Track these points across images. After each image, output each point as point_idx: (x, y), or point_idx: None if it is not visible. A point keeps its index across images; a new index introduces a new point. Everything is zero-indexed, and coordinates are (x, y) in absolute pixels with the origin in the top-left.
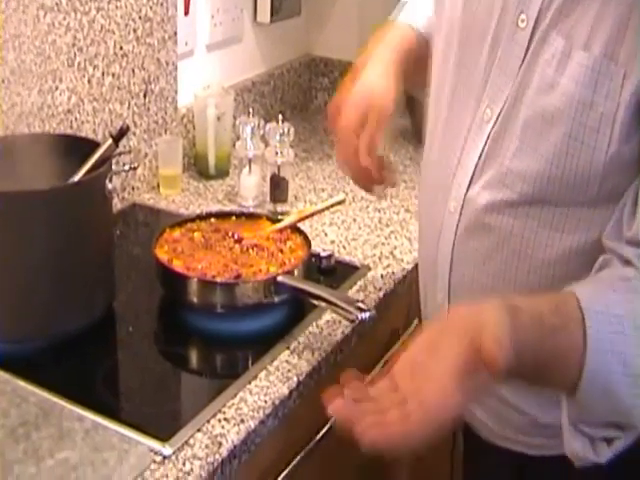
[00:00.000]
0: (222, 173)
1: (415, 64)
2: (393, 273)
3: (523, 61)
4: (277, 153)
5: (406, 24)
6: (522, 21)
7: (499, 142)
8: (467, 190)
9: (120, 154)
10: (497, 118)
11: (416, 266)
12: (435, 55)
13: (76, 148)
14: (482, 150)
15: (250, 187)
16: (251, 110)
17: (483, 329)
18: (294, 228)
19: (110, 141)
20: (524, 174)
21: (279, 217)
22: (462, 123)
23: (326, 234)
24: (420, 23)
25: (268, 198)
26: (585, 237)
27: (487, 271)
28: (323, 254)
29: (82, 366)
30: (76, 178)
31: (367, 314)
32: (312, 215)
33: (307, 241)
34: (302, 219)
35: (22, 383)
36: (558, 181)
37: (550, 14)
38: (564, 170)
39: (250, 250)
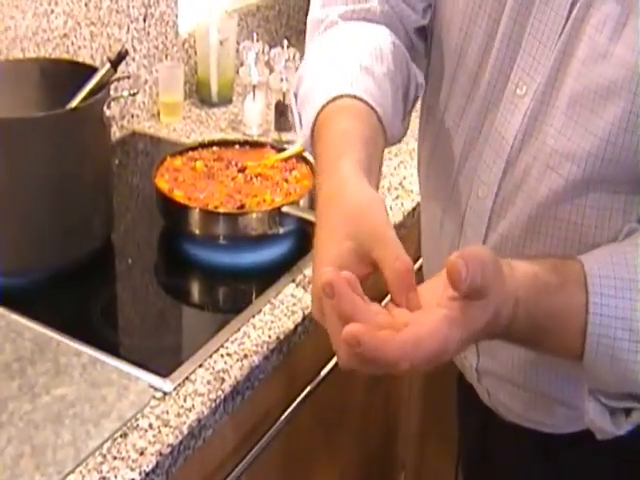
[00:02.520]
0: (225, 100)
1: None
2: (402, 205)
3: (564, 28)
4: (282, 79)
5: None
6: None
7: (539, 119)
8: (503, 174)
9: (119, 80)
10: (535, 92)
11: None
12: (446, 39)
13: (73, 73)
14: (518, 129)
15: (254, 115)
16: (255, 35)
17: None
18: (300, 157)
19: (108, 66)
20: (572, 155)
21: (284, 146)
22: (484, 99)
23: None
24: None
25: (273, 126)
26: (636, 213)
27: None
28: None
29: (79, 300)
30: (73, 104)
31: None
32: None
33: (313, 171)
34: None
35: (17, 317)
36: (614, 162)
37: None
38: (621, 149)
39: (254, 180)
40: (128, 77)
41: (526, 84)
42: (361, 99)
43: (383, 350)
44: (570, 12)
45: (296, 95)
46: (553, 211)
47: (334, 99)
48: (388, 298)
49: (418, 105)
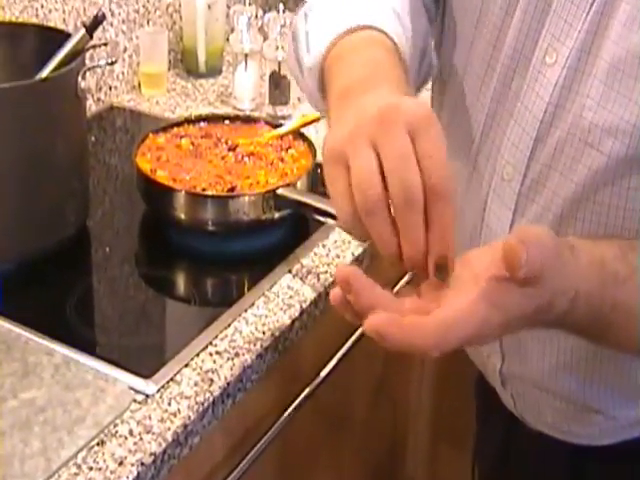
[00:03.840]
0: (214, 71)
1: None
2: None
3: None
4: (277, 48)
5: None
6: None
7: (573, 89)
8: (531, 152)
9: (95, 47)
10: (566, 59)
11: None
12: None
13: (43, 39)
14: (548, 101)
15: (246, 87)
16: None
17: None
18: (297, 134)
19: (83, 31)
20: (615, 128)
21: (279, 121)
22: (508, 67)
23: None
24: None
25: (267, 100)
26: None
27: None
28: None
29: (51, 293)
30: (43, 74)
31: None
32: (317, 120)
33: (312, 149)
34: (306, 124)
35: None
36: None
37: None
38: None
39: (246, 159)
40: (105, 44)
41: (556, 50)
42: (392, 39)
43: (411, 341)
44: None
45: (294, 34)
46: (592, 194)
47: (362, 28)
48: (398, 287)
49: None
